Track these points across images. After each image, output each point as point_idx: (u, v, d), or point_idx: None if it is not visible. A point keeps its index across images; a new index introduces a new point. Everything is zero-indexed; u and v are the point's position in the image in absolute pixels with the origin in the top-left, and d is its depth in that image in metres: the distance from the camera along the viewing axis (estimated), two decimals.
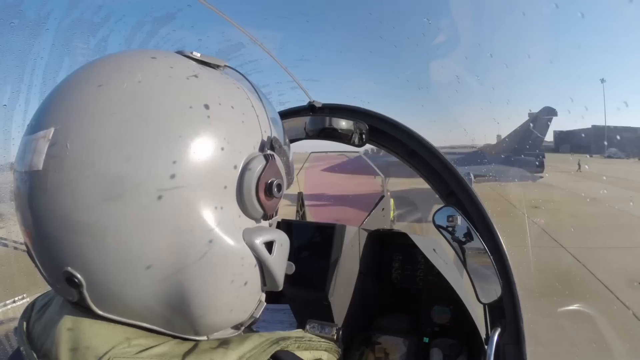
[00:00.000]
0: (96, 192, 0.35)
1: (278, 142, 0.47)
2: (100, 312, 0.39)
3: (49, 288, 0.49)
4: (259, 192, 0.42)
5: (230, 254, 0.40)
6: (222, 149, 0.40)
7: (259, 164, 0.42)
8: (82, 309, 0.41)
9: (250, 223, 0.43)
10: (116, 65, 0.41)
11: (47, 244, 0.38)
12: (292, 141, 1.53)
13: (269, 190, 0.42)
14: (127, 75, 0.39)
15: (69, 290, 0.38)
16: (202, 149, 0.39)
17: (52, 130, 0.36)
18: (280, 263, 0.46)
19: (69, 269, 0.37)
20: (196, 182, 0.38)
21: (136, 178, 0.36)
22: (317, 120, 1.32)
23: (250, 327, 0.54)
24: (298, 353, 0.50)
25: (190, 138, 0.38)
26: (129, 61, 0.41)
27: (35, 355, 0.40)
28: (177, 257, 0.38)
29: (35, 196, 0.37)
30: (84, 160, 0.35)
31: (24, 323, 0.44)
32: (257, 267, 0.43)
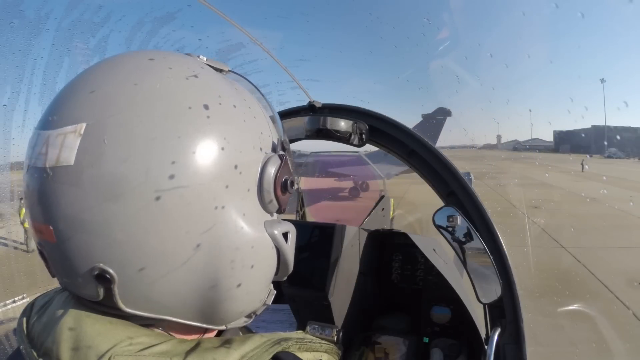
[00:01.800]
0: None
1: (287, 142, 0.50)
2: (127, 310, 0.40)
3: (49, 288, 0.49)
4: (276, 189, 0.45)
5: (255, 244, 0.44)
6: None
7: (275, 164, 0.45)
8: (87, 309, 0.41)
9: (267, 216, 0.46)
10: (111, 69, 0.41)
11: (77, 240, 0.37)
12: (292, 141, 1.54)
13: (284, 187, 0.46)
14: (122, 79, 0.40)
15: (93, 288, 0.38)
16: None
17: (84, 125, 0.36)
18: (292, 252, 0.50)
19: (101, 265, 0.37)
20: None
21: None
22: (316, 120, 1.32)
23: (249, 328, 0.55)
24: (299, 354, 0.50)
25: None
26: (123, 64, 0.42)
27: (35, 354, 0.40)
28: (208, 252, 0.40)
29: (64, 191, 0.36)
30: (119, 155, 0.36)
31: (24, 322, 0.44)
32: (275, 256, 0.47)
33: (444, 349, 1.44)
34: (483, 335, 1.21)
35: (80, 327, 0.39)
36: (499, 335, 1.07)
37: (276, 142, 0.48)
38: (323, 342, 0.56)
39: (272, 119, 0.51)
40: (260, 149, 0.46)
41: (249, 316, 0.51)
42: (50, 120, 0.39)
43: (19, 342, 0.43)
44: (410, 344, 1.46)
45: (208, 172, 0.39)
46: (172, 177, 0.37)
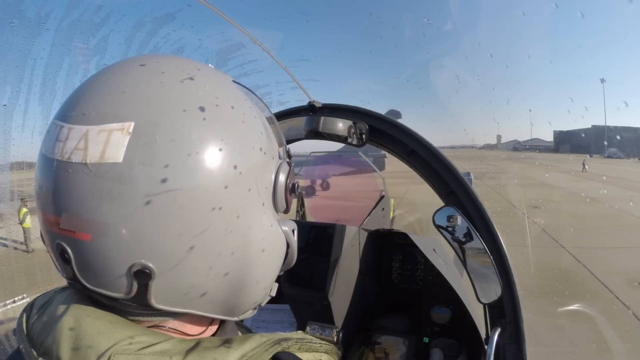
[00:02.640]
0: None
1: (290, 150, 0.54)
2: (157, 306, 0.40)
3: (48, 288, 0.49)
4: (286, 192, 0.49)
5: (273, 240, 0.48)
6: (220, 149, 0.41)
7: (286, 170, 0.49)
8: (88, 308, 0.41)
9: (277, 215, 0.50)
10: (106, 78, 0.42)
11: (116, 237, 0.37)
12: (291, 141, 1.54)
13: (292, 189, 0.51)
14: (114, 88, 0.40)
15: (128, 285, 0.39)
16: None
17: (132, 124, 0.37)
18: (296, 246, 0.54)
19: (143, 260, 0.37)
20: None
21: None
22: (311, 121, 1.32)
23: (249, 328, 0.55)
24: (299, 354, 0.50)
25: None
26: (115, 73, 0.42)
27: (35, 353, 0.40)
28: (239, 249, 0.43)
29: (109, 188, 0.37)
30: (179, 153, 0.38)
31: (23, 322, 0.44)
32: (285, 250, 0.51)
33: (444, 349, 1.44)
34: (483, 335, 1.21)
35: (80, 326, 0.39)
36: (499, 335, 1.07)
37: (281, 148, 0.52)
38: (323, 342, 0.57)
39: (270, 120, 0.52)
40: (260, 148, 0.46)
41: (255, 308, 0.53)
42: (85, 115, 0.38)
43: (18, 341, 0.43)
44: (410, 344, 1.46)
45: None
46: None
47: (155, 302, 0.40)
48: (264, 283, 0.49)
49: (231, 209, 0.41)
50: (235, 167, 0.41)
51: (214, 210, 0.40)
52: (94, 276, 0.39)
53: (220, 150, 0.40)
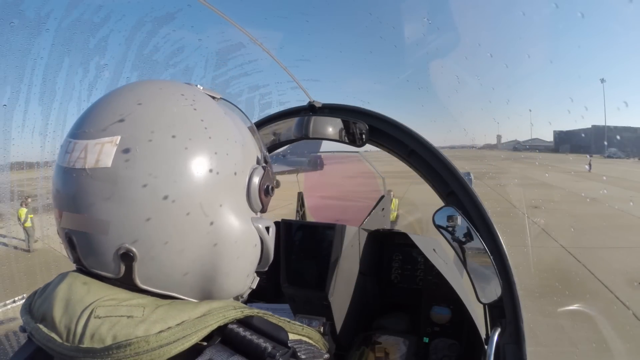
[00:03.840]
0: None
1: (268, 156, 0.63)
2: (142, 286, 0.47)
3: None
4: (260, 192, 0.56)
5: (244, 236, 0.54)
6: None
7: (260, 173, 0.57)
8: (83, 277, 0.48)
9: (252, 214, 0.57)
10: (105, 104, 0.51)
11: (107, 225, 0.45)
12: (291, 141, 1.54)
13: (266, 191, 0.58)
14: (110, 111, 0.49)
15: (117, 266, 0.46)
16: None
17: (119, 137, 0.46)
18: (272, 243, 0.61)
19: (127, 244, 0.45)
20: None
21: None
22: (302, 126, 1.33)
23: None
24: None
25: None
26: (109, 99, 0.51)
27: (33, 320, 0.46)
28: (212, 242, 0.50)
29: (102, 188, 0.45)
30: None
31: (28, 303, 0.50)
32: (259, 246, 0.58)
33: (444, 349, 1.44)
34: (483, 335, 1.21)
35: (72, 289, 0.46)
36: (499, 335, 1.07)
37: (259, 155, 0.60)
38: (305, 327, 0.59)
39: (252, 130, 0.62)
40: (255, 157, 0.57)
41: (236, 298, 0.60)
42: (86, 132, 0.48)
43: (21, 314, 0.49)
44: (410, 344, 1.46)
45: (198, 183, 0.48)
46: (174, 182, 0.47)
47: (139, 282, 0.47)
48: (235, 275, 0.55)
49: (204, 204, 0.48)
50: (210, 170, 0.49)
51: (188, 215, 0.47)
52: (93, 259, 0.47)
53: (199, 154, 0.48)
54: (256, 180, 0.56)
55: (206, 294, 0.52)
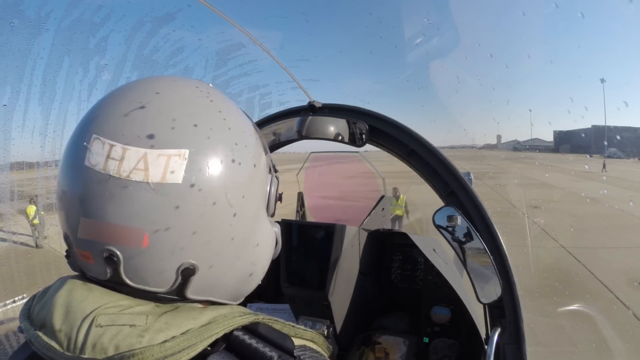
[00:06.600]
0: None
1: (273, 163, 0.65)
2: (190, 296, 0.48)
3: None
4: (275, 200, 0.60)
5: (268, 237, 0.58)
6: (237, 144, 0.50)
7: (275, 183, 0.60)
8: (82, 283, 0.47)
9: (269, 218, 0.60)
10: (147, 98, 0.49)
11: (175, 242, 0.44)
12: (291, 141, 1.54)
13: (280, 198, 0.63)
14: (164, 114, 0.48)
15: (171, 281, 0.46)
16: (215, 163, 0.47)
17: (187, 151, 0.44)
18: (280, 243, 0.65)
19: (191, 260, 0.45)
20: (236, 204, 0.49)
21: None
22: (300, 126, 1.33)
23: None
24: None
25: (230, 172, 0.49)
26: (161, 94, 0.50)
27: (32, 327, 0.45)
28: (252, 248, 0.54)
29: (167, 203, 0.44)
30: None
31: (27, 308, 0.48)
32: (274, 245, 0.62)
33: (444, 349, 1.44)
34: (483, 335, 1.21)
35: (72, 296, 0.44)
36: (499, 335, 1.07)
37: (272, 165, 0.62)
38: (309, 330, 0.57)
39: (256, 129, 0.61)
40: (266, 164, 0.59)
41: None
42: (140, 138, 0.43)
43: (20, 320, 0.47)
44: (410, 344, 1.46)
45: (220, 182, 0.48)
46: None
47: (189, 293, 0.47)
48: (262, 273, 0.59)
49: (249, 216, 0.51)
50: (233, 160, 0.48)
51: (235, 217, 0.49)
52: (142, 276, 0.45)
53: (233, 161, 0.49)
54: (273, 190, 0.59)
55: (233, 296, 0.55)
